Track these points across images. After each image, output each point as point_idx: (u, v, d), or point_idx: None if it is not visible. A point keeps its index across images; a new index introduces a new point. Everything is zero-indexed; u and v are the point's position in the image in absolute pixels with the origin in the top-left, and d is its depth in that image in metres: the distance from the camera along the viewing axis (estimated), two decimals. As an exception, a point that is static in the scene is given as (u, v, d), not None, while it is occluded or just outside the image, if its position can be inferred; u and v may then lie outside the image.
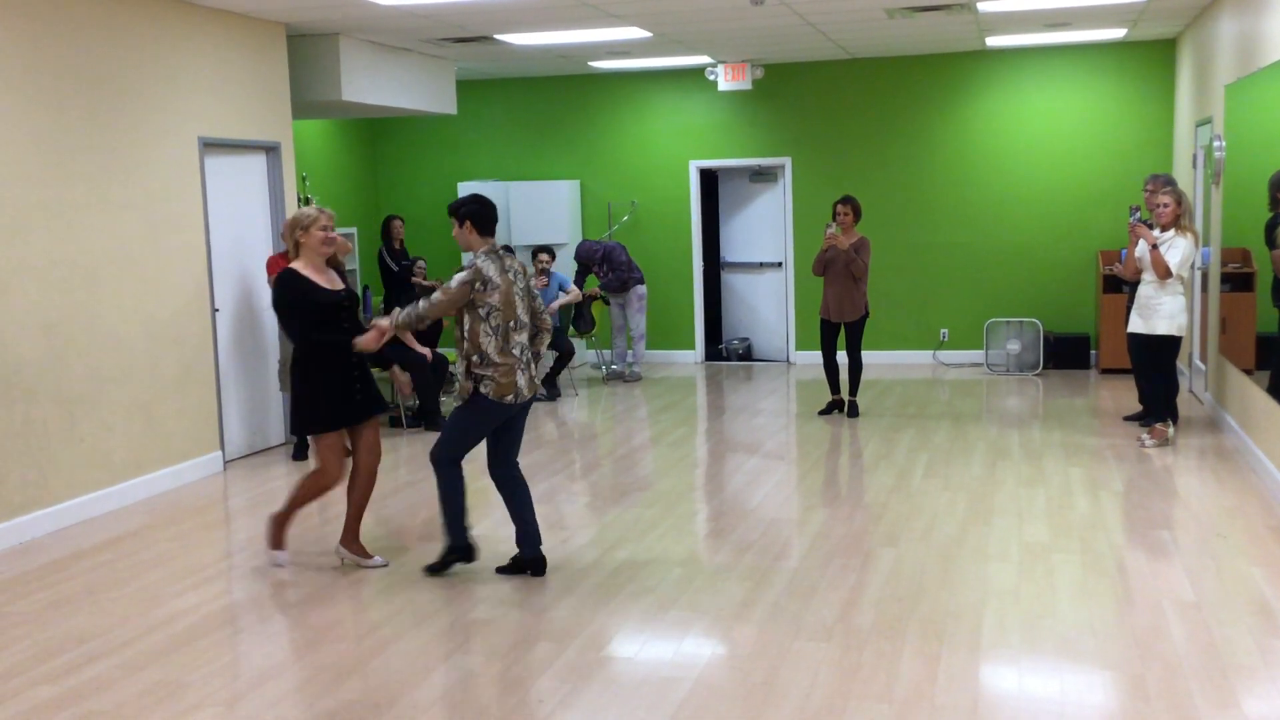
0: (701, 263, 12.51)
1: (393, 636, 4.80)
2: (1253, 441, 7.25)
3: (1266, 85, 6.93)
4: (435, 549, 6.00)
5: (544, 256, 10.66)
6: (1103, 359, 10.92)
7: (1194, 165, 9.74)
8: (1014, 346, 11.30)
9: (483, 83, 12.61)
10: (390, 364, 9.13)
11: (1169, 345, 7.79)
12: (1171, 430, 7.91)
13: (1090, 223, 11.42)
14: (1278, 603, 4.87)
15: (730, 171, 12.69)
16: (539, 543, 5.51)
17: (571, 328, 11.08)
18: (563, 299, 10.66)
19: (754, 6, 8.24)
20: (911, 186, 11.80)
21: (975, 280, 11.77)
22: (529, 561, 5.49)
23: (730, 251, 12.92)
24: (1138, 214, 7.96)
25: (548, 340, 5.52)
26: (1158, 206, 7.71)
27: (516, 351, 5.23)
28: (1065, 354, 11.32)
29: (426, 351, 9.03)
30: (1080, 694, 4.05)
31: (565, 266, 11.74)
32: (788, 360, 12.43)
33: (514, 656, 4.54)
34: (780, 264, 12.50)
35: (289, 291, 5.45)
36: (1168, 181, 8.23)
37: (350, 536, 5.77)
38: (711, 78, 11.51)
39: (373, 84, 9.57)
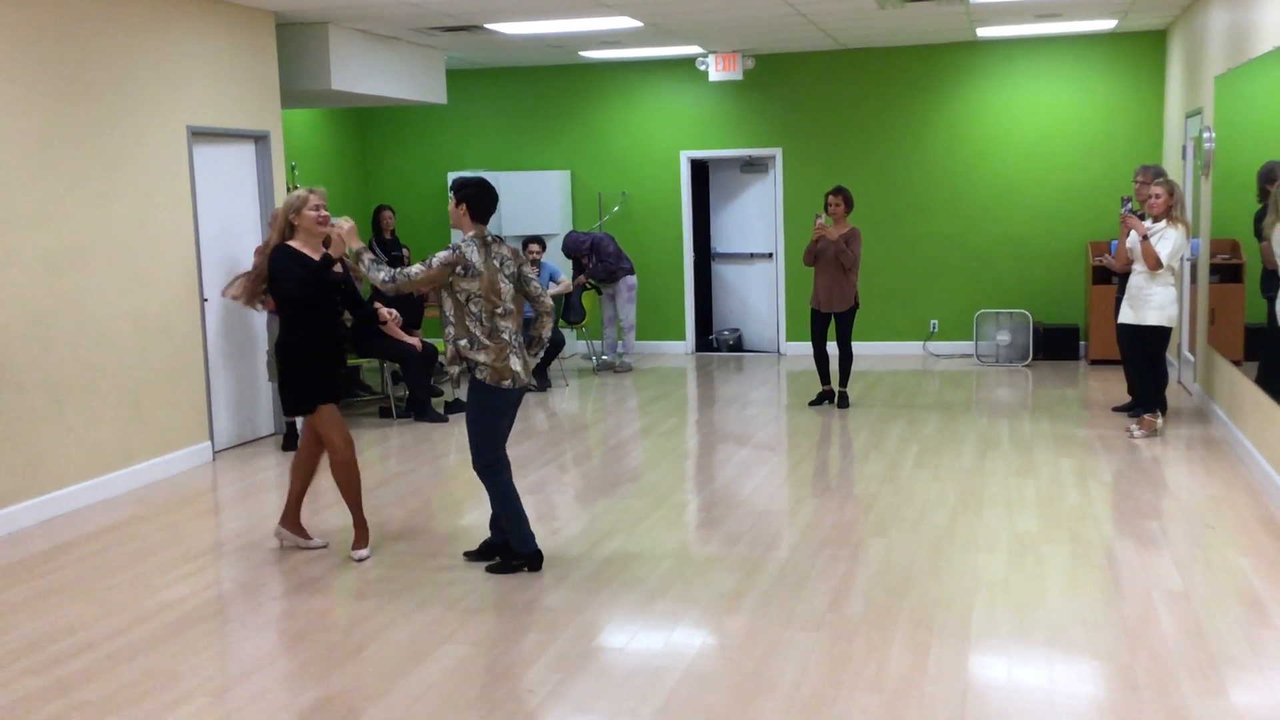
0: (692, 253, 12.50)
1: (383, 626, 4.79)
2: (1241, 432, 7.28)
3: (1256, 77, 6.94)
4: (424, 541, 6.00)
5: (534, 247, 10.64)
6: (1092, 350, 10.95)
7: (1184, 157, 9.75)
8: (1004, 337, 11.32)
9: (473, 72, 12.57)
10: (377, 354, 9.16)
11: (1159, 336, 7.81)
12: (1160, 421, 7.93)
13: (1080, 214, 11.44)
14: (1265, 593, 4.89)
15: (721, 162, 12.68)
16: (532, 538, 5.46)
17: (562, 319, 11.08)
18: (553, 289, 10.66)
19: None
20: (902, 177, 11.81)
21: (965, 271, 11.79)
22: (498, 547, 5.48)
23: (721, 242, 12.91)
24: (1129, 205, 7.97)
25: (549, 324, 5.47)
26: (1149, 197, 7.72)
27: (505, 336, 5.20)
28: (1055, 345, 11.35)
29: (415, 341, 9.02)
30: (1069, 684, 4.06)
31: (556, 257, 11.72)
32: (778, 351, 12.44)
33: (504, 647, 4.54)
34: (771, 255, 12.50)
35: (287, 264, 5.40)
36: (1158, 173, 8.24)
37: (291, 517, 5.83)
38: (702, 68, 11.49)
39: (362, 73, 9.54)
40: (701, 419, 9.21)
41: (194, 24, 7.82)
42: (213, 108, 8.03)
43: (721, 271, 12.97)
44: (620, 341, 11.49)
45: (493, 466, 5.32)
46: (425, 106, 12.17)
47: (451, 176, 12.32)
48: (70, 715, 4.05)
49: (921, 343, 11.99)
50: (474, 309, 5.13)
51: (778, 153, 12.11)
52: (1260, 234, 6.61)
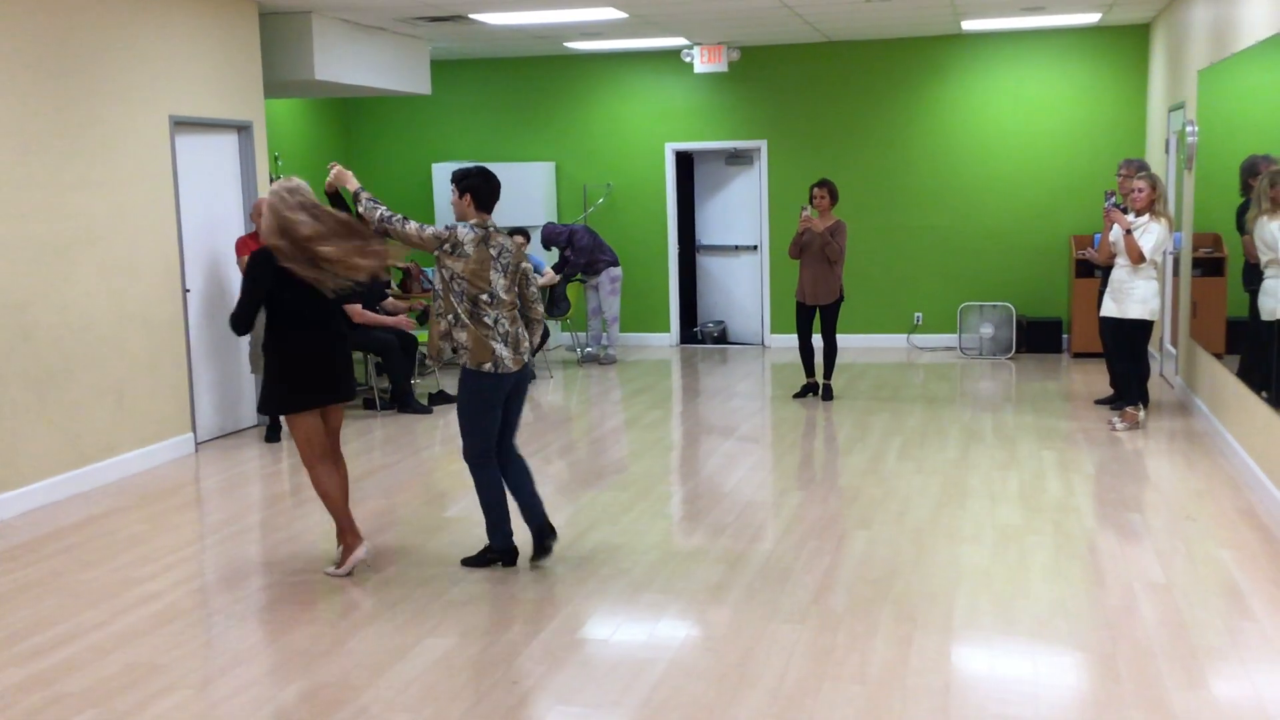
0: (677, 245, 12.50)
1: (368, 619, 4.78)
2: (1222, 425, 7.32)
3: (1239, 71, 6.97)
4: (409, 533, 5.99)
5: (519, 238, 10.63)
6: (1075, 343, 10.99)
7: (1166, 150, 9.79)
8: (987, 330, 11.35)
9: (457, 63, 12.53)
10: (357, 347, 9.12)
11: (1141, 329, 7.85)
12: (1142, 414, 7.97)
13: (1063, 207, 11.47)
14: (1246, 584, 4.92)
15: (706, 154, 12.67)
16: (545, 517, 5.39)
17: (546, 310, 11.06)
18: (539, 281, 10.63)
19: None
20: (887, 170, 11.82)
21: (949, 264, 11.81)
22: (539, 534, 5.38)
23: (706, 234, 12.91)
24: (1113, 199, 8.00)
25: (539, 331, 5.39)
26: (1132, 191, 7.75)
27: (489, 322, 5.14)
28: (1038, 338, 11.39)
29: (401, 319, 8.93)
30: (1051, 675, 4.08)
31: (540, 250, 11.70)
32: (763, 343, 12.45)
33: (489, 639, 4.53)
34: (756, 247, 12.50)
35: (266, 267, 5.17)
36: (1140, 166, 8.27)
37: (346, 526, 5.40)
38: (687, 60, 11.48)
39: (346, 63, 9.50)
40: (686, 411, 9.22)
41: (176, 13, 7.77)
42: (195, 97, 7.98)
43: (706, 264, 12.97)
44: (605, 333, 11.49)
45: (483, 456, 5.25)
46: (410, 97, 12.12)
47: (436, 167, 12.29)
48: (51, 708, 4.03)
49: (905, 335, 12.02)
50: (456, 288, 5.11)
51: (763, 145, 12.11)
52: (1242, 228, 6.64)
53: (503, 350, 5.15)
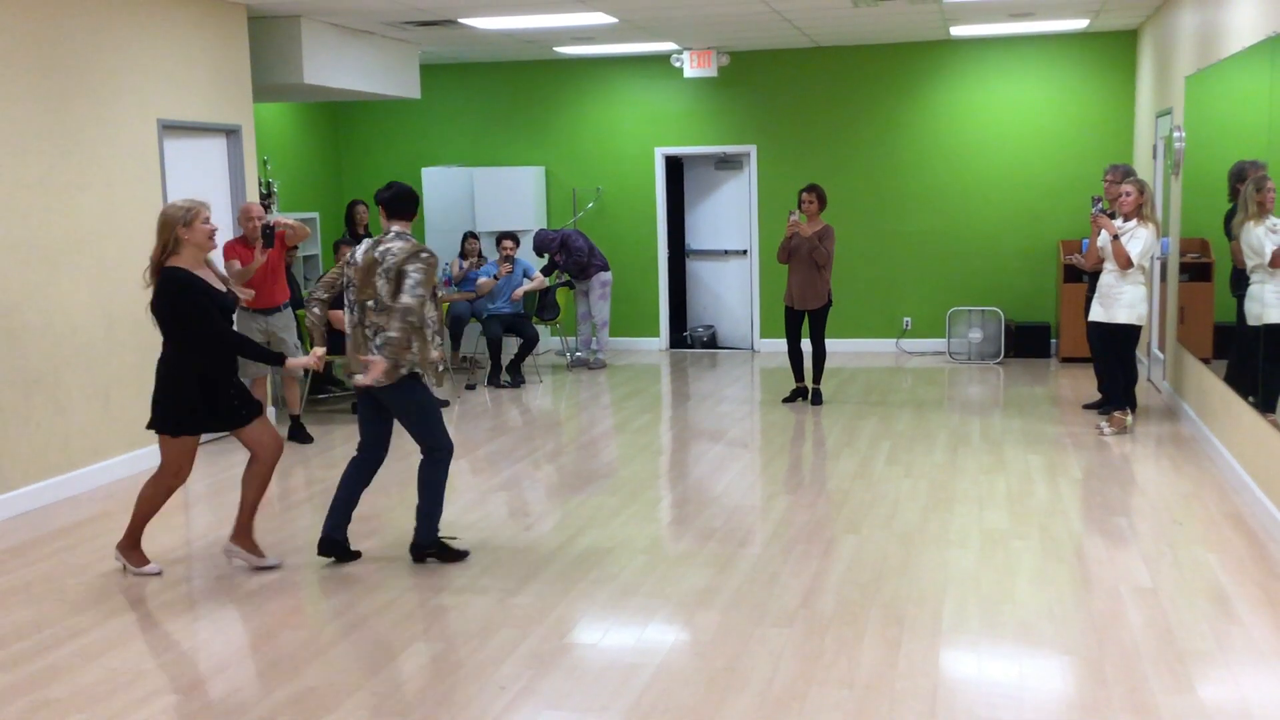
0: (666, 250, 12.50)
1: (354, 623, 4.77)
2: (1209, 430, 7.34)
3: (1226, 77, 7.00)
4: (394, 537, 5.98)
5: (508, 243, 10.63)
6: (1063, 348, 11.02)
7: (1154, 156, 9.83)
8: (976, 335, 11.38)
9: (447, 67, 12.52)
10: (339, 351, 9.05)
11: (1129, 334, 7.87)
12: (1130, 418, 7.99)
13: (1051, 213, 11.51)
14: (1232, 589, 4.93)
15: (696, 159, 12.68)
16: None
17: (536, 315, 11.05)
18: (528, 285, 10.64)
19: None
20: (876, 175, 11.85)
21: (938, 269, 11.84)
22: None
23: (695, 239, 12.92)
24: (1100, 205, 8.02)
25: (388, 337, 5.18)
26: (1120, 196, 7.77)
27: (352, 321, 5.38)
28: (1026, 343, 11.41)
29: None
30: (1038, 678, 4.09)
31: (529, 254, 11.69)
32: (752, 348, 12.46)
33: (476, 643, 4.52)
34: (745, 251, 12.51)
35: (193, 291, 5.08)
36: (1127, 172, 8.30)
37: (243, 533, 5.47)
38: (677, 64, 11.49)
39: (335, 67, 9.49)
40: (675, 415, 9.22)
41: (165, 17, 7.76)
42: (184, 101, 7.96)
43: (696, 268, 12.98)
44: (594, 338, 11.48)
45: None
46: (399, 101, 12.11)
47: (426, 172, 12.28)
48: (37, 713, 4.01)
49: (894, 340, 12.04)
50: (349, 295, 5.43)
51: (752, 150, 12.12)
52: (1230, 233, 6.67)
53: (348, 350, 5.43)
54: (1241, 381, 6.50)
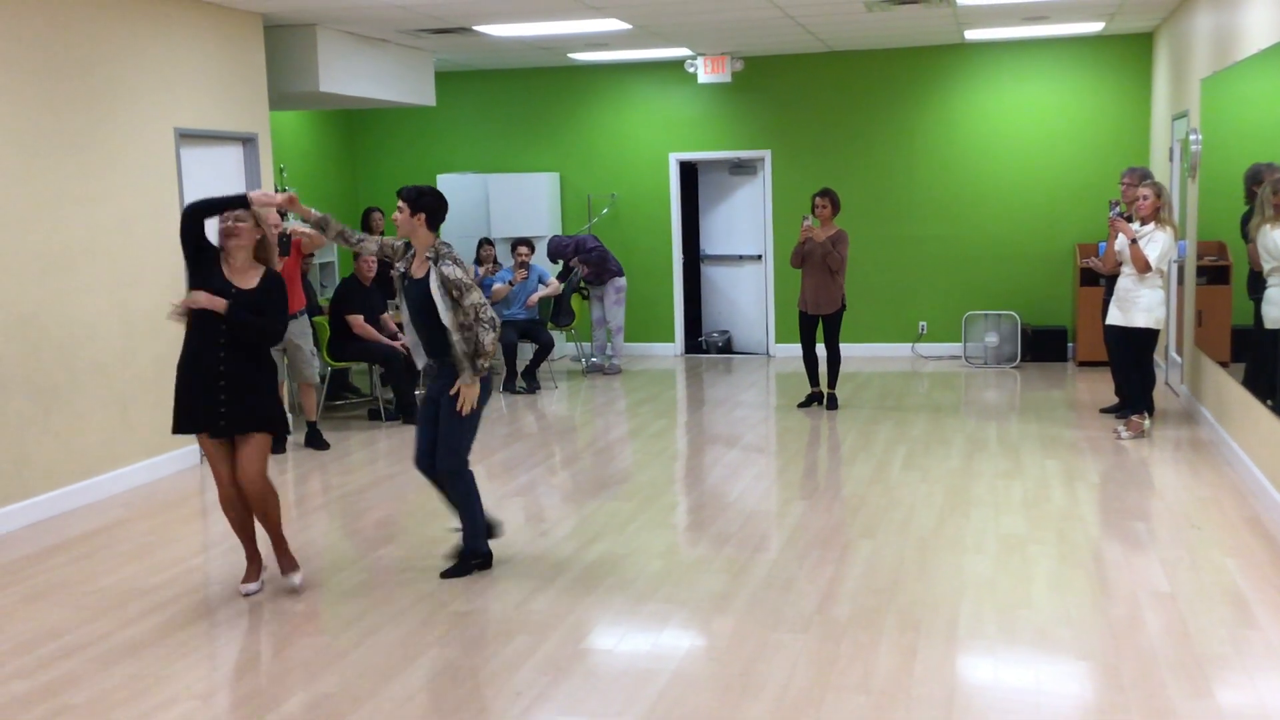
0: (681, 255, 12.51)
1: (371, 629, 4.78)
2: (1228, 434, 7.30)
3: (1242, 79, 6.97)
4: (412, 543, 5.99)
5: (523, 249, 10.66)
6: (1080, 351, 10.98)
7: (1170, 159, 9.79)
8: (992, 339, 11.35)
9: (461, 74, 12.56)
10: (356, 356, 9.12)
11: (1146, 338, 7.84)
12: (1147, 423, 7.96)
13: (1068, 216, 11.47)
14: (1251, 593, 4.91)
15: (710, 164, 12.69)
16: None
17: (551, 321, 11.07)
18: (543, 291, 10.66)
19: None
20: (890, 179, 11.83)
21: (953, 273, 11.81)
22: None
23: (710, 244, 12.92)
24: (1117, 208, 8.00)
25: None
26: (1137, 199, 7.75)
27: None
28: (1043, 346, 11.38)
29: (398, 344, 8.98)
30: (1056, 684, 4.08)
31: (544, 260, 11.72)
32: (767, 353, 12.45)
33: (493, 649, 4.53)
34: (760, 257, 12.51)
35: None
36: (1144, 175, 8.27)
37: (281, 553, 5.33)
38: (691, 70, 11.50)
39: (350, 75, 9.53)
40: (690, 421, 9.22)
41: (182, 26, 7.81)
42: (200, 110, 8.01)
43: (710, 273, 12.98)
44: (609, 344, 11.49)
45: (466, 464, 5.43)
46: (414, 108, 12.15)
47: (441, 179, 12.32)
48: (57, 718, 4.04)
49: (910, 344, 12.01)
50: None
51: (767, 155, 12.12)
52: (1246, 236, 6.64)
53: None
54: (1259, 385, 6.47)
